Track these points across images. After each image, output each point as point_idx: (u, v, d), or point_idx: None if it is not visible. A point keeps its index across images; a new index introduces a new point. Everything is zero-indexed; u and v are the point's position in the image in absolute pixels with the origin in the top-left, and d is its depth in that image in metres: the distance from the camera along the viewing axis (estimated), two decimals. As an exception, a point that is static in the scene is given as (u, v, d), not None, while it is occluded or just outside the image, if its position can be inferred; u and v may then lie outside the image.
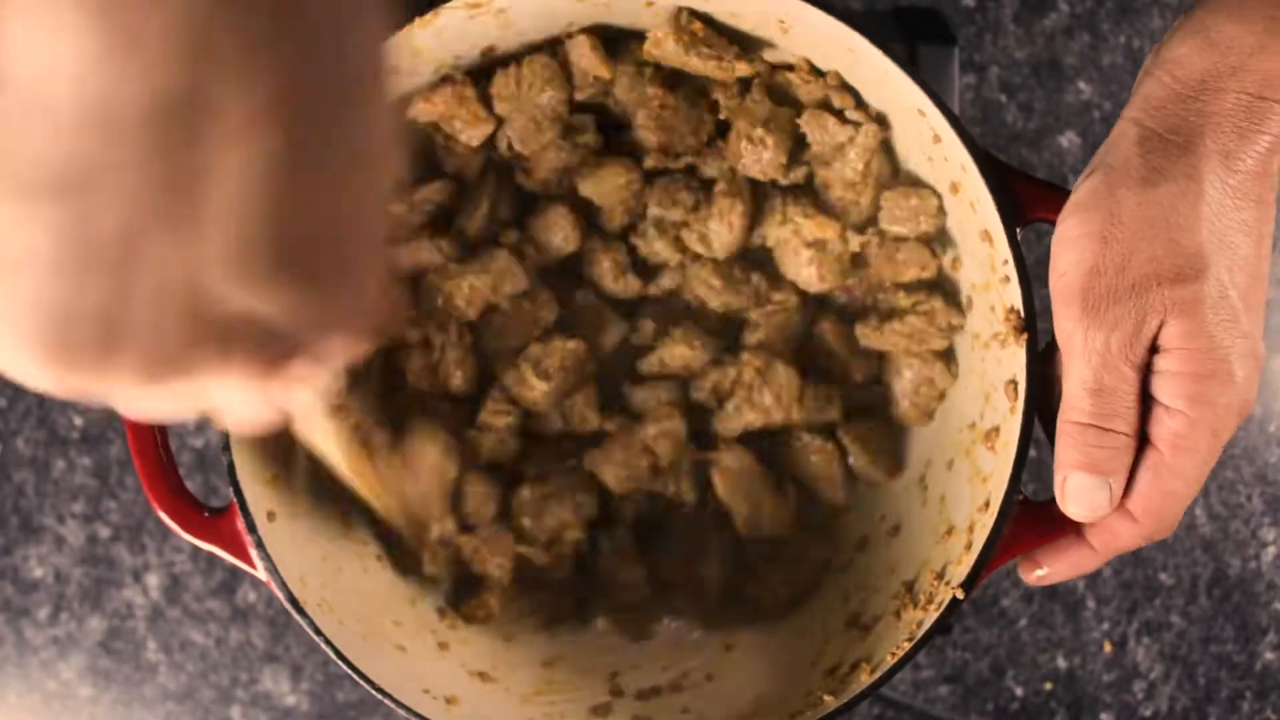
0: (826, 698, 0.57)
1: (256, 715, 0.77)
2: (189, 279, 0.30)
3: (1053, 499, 0.54)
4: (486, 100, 0.62)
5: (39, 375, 0.31)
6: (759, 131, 0.61)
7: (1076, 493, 0.52)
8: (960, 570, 0.55)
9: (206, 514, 0.57)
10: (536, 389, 0.62)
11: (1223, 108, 0.49)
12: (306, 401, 0.44)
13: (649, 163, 0.63)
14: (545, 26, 0.62)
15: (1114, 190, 0.50)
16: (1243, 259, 0.49)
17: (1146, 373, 0.50)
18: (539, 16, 0.61)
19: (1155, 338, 0.49)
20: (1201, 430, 0.49)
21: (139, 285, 0.30)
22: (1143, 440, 0.51)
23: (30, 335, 0.30)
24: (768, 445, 0.66)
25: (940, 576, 0.58)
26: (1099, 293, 0.49)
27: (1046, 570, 0.56)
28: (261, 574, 0.56)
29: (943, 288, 0.63)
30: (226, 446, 0.56)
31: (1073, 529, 0.54)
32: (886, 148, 0.62)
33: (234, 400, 0.36)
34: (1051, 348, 0.55)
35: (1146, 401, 0.51)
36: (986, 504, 0.57)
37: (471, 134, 0.62)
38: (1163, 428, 0.50)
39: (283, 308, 0.32)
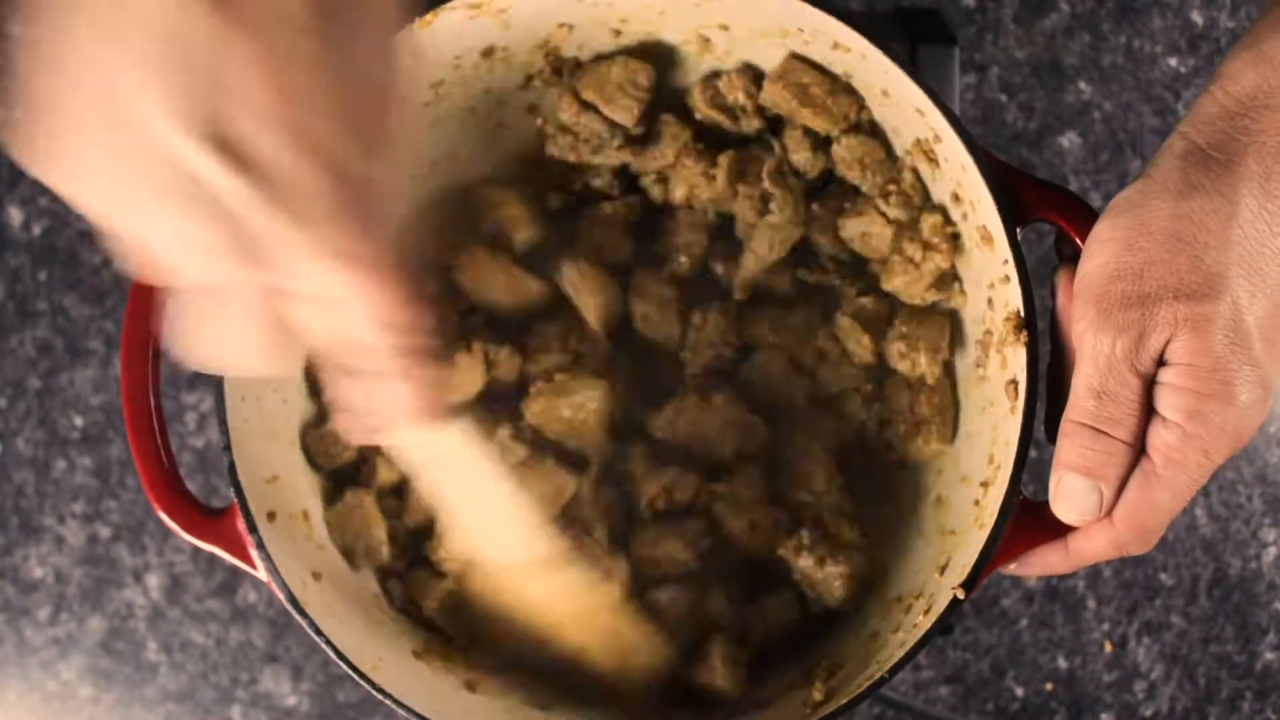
0: (827, 698, 0.57)
1: (257, 715, 0.77)
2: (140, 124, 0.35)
3: (1054, 499, 0.54)
4: None
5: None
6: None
7: (1068, 494, 0.52)
8: (960, 570, 0.55)
9: (206, 514, 0.57)
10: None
11: (1271, 126, 0.48)
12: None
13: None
14: (546, 27, 0.62)
15: (1148, 199, 0.49)
16: (1270, 287, 0.48)
17: (1153, 384, 0.50)
18: (540, 17, 0.61)
19: (1164, 350, 0.49)
20: (1194, 446, 0.49)
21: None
22: (1141, 450, 0.51)
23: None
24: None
25: (940, 576, 0.58)
26: (1113, 297, 0.49)
27: (1014, 565, 0.55)
28: (262, 574, 0.56)
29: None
30: (227, 446, 0.56)
31: (1061, 529, 0.54)
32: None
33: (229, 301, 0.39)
34: (1058, 346, 0.55)
35: (1151, 413, 0.50)
36: (987, 504, 0.57)
37: None
38: (1158, 438, 0.50)
39: (234, 181, 0.36)
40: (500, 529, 0.56)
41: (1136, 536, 0.52)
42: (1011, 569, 0.56)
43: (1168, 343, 0.48)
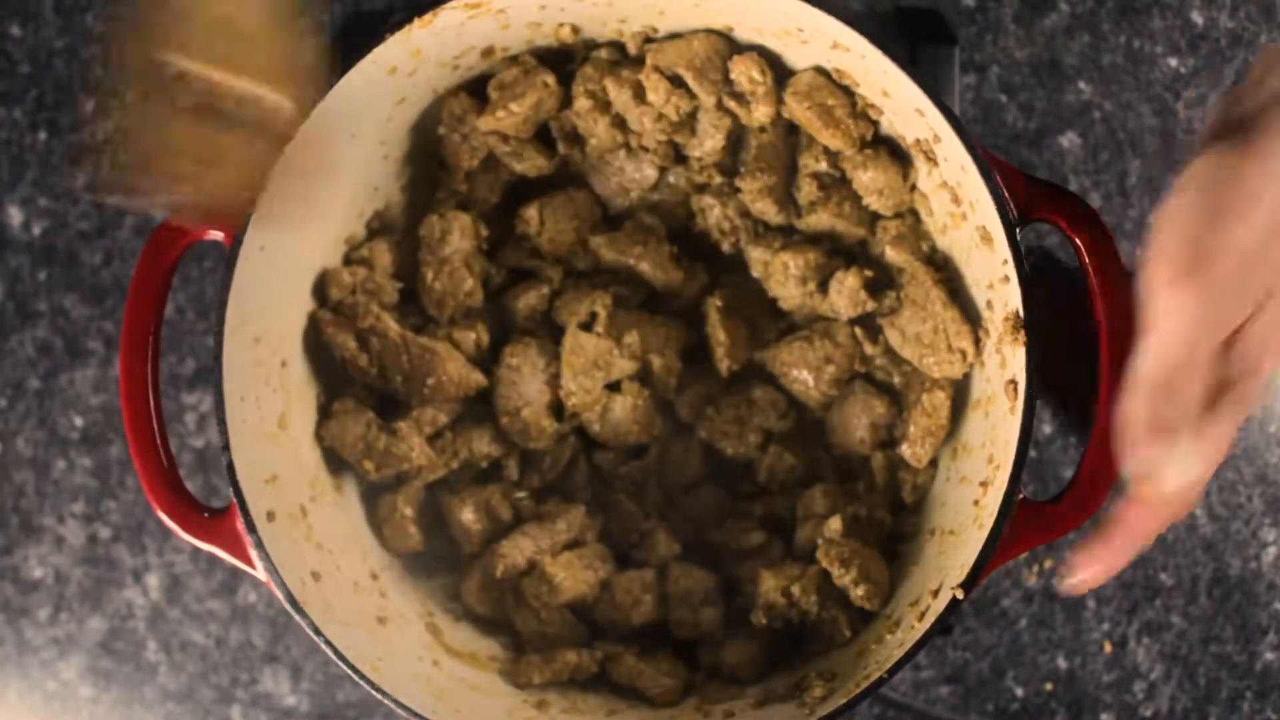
0: (826, 698, 0.57)
1: (257, 715, 0.78)
2: None
3: (1053, 499, 0.54)
4: None
5: None
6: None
7: (1177, 463, 0.47)
8: (960, 570, 0.55)
9: (206, 514, 0.57)
10: None
11: None
12: None
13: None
14: (546, 28, 0.62)
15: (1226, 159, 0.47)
16: None
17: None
18: (540, 18, 0.61)
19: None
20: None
21: None
22: None
23: None
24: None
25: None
26: (1210, 257, 0.46)
27: (1084, 575, 0.52)
28: (261, 574, 0.56)
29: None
30: (226, 446, 0.56)
31: (1056, 528, 0.52)
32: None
33: None
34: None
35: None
36: (986, 504, 0.57)
37: None
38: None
39: None
40: None
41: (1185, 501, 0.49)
42: (1070, 586, 0.52)
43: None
